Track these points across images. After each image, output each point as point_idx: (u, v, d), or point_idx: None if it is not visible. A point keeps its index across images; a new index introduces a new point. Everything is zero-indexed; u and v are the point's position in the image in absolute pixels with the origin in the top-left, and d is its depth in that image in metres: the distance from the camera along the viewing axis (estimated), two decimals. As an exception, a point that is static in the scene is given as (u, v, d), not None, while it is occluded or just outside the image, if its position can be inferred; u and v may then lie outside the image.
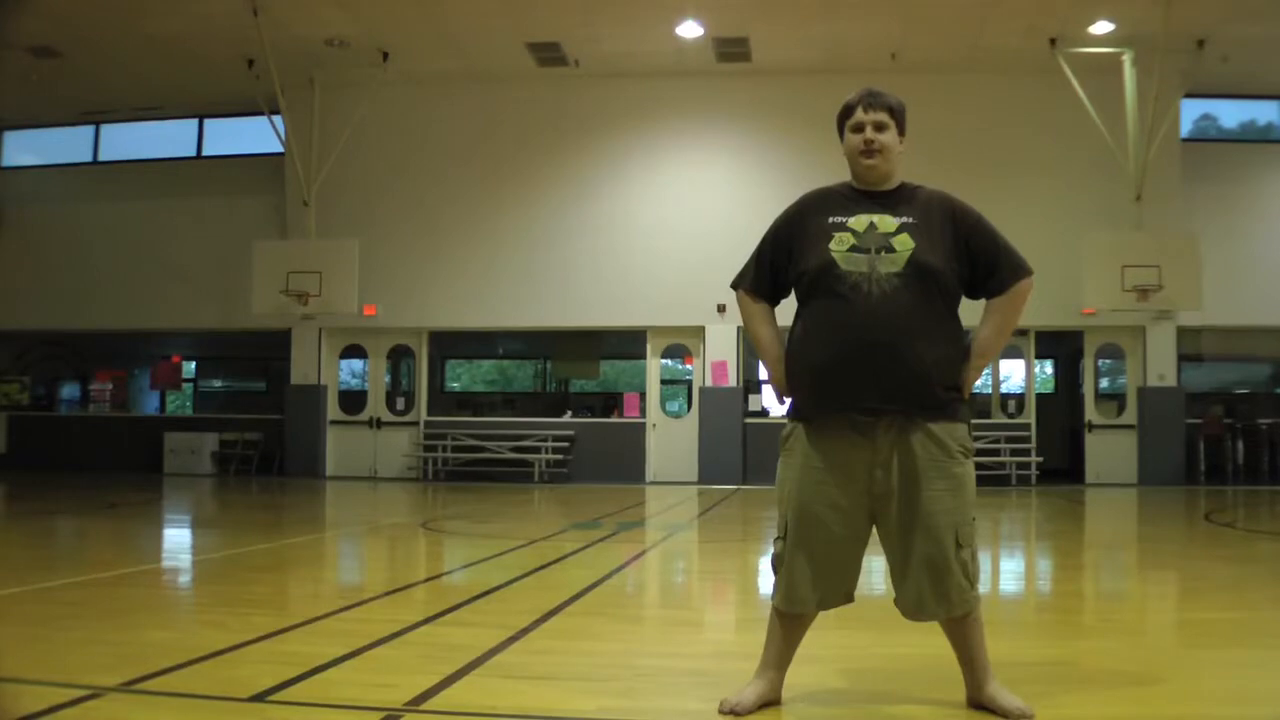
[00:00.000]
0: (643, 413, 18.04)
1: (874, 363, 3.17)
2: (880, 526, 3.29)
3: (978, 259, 3.34)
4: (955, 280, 3.30)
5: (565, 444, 17.78)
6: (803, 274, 3.33)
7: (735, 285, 3.59)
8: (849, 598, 3.37)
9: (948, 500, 3.20)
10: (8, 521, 11.08)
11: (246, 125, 18.90)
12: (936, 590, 3.20)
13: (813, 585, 3.29)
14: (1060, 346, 19.39)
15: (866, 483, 3.24)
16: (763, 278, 3.51)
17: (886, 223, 3.28)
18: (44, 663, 3.87)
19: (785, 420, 3.44)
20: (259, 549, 8.14)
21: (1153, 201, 15.78)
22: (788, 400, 3.44)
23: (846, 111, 3.42)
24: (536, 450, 17.68)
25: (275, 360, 19.27)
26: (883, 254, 3.23)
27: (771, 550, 3.44)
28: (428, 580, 6.89)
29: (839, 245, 3.26)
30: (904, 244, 3.24)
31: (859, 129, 3.36)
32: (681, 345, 18.06)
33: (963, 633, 3.30)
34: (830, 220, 3.33)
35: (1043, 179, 16.53)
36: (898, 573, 3.29)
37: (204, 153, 19.96)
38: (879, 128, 3.34)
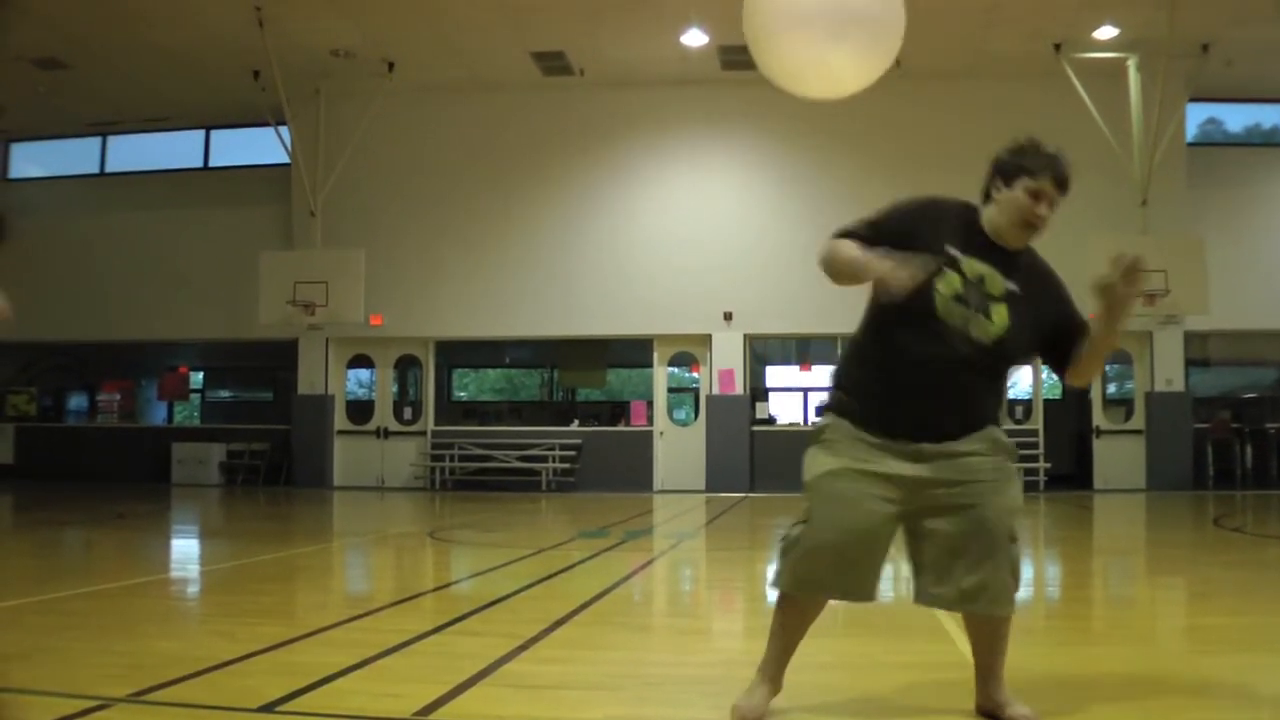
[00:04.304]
0: (650, 421, 18.04)
1: (940, 414, 3.20)
2: (920, 523, 3.22)
3: (1060, 340, 3.32)
4: (1029, 353, 3.40)
5: (572, 452, 17.78)
6: None
7: (840, 235, 3.31)
8: (870, 596, 3.29)
9: (997, 495, 3.20)
10: (16, 532, 11.09)
11: (253, 136, 18.93)
12: (984, 584, 3.15)
13: (834, 568, 3.21)
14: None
15: (912, 485, 3.19)
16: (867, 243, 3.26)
17: (995, 283, 3.20)
18: (53, 674, 3.88)
19: (821, 415, 3.39)
20: (267, 559, 8.14)
21: (1158, 206, 15.75)
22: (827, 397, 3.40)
23: (1028, 171, 3.20)
24: (544, 459, 17.68)
25: (282, 370, 19.31)
26: (979, 317, 3.17)
27: (784, 534, 3.33)
28: (436, 590, 6.88)
29: (945, 287, 3.16)
30: (1000, 318, 3.18)
31: (1037, 196, 3.21)
32: (688, 353, 18.06)
33: (991, 636, 3.27)
34: (946, 249, 3.21)
35: (1048, 184, 16.48)
36: (940, 567, 3.20)
37: (210, 164, 20.03)
38: (1052, 205, 3.24)
